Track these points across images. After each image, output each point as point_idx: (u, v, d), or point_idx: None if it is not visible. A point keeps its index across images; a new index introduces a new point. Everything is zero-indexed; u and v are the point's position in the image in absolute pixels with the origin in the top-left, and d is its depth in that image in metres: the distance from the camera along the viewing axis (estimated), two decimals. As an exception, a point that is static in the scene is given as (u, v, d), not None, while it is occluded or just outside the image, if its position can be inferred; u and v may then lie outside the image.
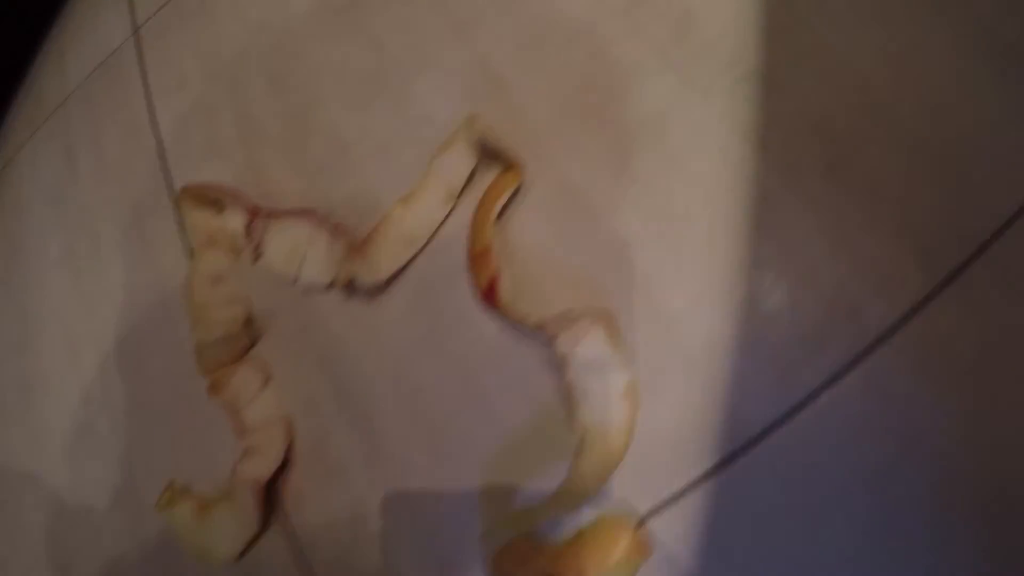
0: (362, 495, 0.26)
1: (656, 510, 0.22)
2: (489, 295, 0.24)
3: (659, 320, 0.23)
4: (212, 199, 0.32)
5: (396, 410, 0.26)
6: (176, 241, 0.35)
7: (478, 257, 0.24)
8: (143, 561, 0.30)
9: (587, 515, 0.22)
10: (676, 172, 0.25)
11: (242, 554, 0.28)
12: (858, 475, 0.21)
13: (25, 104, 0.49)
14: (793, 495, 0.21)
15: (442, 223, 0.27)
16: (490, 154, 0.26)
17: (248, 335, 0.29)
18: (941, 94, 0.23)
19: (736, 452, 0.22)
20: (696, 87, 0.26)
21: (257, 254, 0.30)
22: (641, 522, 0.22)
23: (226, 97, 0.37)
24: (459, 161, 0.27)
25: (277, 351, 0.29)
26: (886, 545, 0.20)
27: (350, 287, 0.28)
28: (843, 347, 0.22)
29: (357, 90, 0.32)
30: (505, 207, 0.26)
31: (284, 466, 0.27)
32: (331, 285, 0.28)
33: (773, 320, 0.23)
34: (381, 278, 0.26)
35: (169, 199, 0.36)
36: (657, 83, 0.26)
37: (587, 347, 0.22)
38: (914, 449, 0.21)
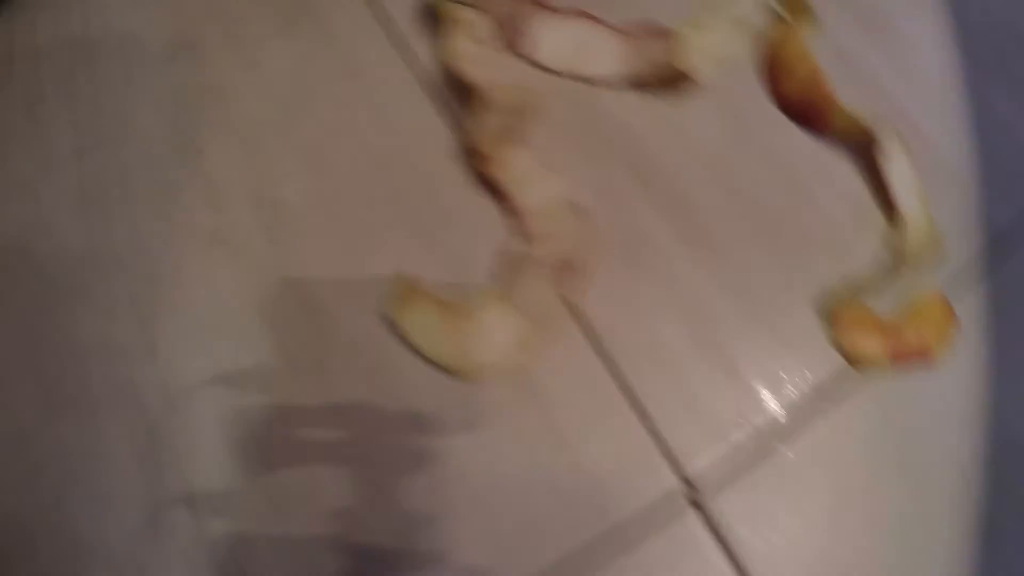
0: (683, 283, 0.23)
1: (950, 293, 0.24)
2: (817, 103, 0.25)
3: (927, 146, 0.26)
4: None
5: (709, 193, 0.25)
6: (380, 35, 0.28)
7: (801, 73, 0.25)
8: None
9: (907, 293, 0.23)
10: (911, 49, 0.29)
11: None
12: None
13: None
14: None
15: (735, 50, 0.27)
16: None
17: (527, 106, 0.25)
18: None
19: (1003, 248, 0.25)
20: None
21: (528, 50, 0.26)
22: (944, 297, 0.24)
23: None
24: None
25: (559, 143, 0.25)
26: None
27: (660, 92, 0.26)
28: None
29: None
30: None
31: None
32: (635, 87, 0.26)
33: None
34: (696, 76, 0.25)
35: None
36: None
37: (896, 151, 0.24)
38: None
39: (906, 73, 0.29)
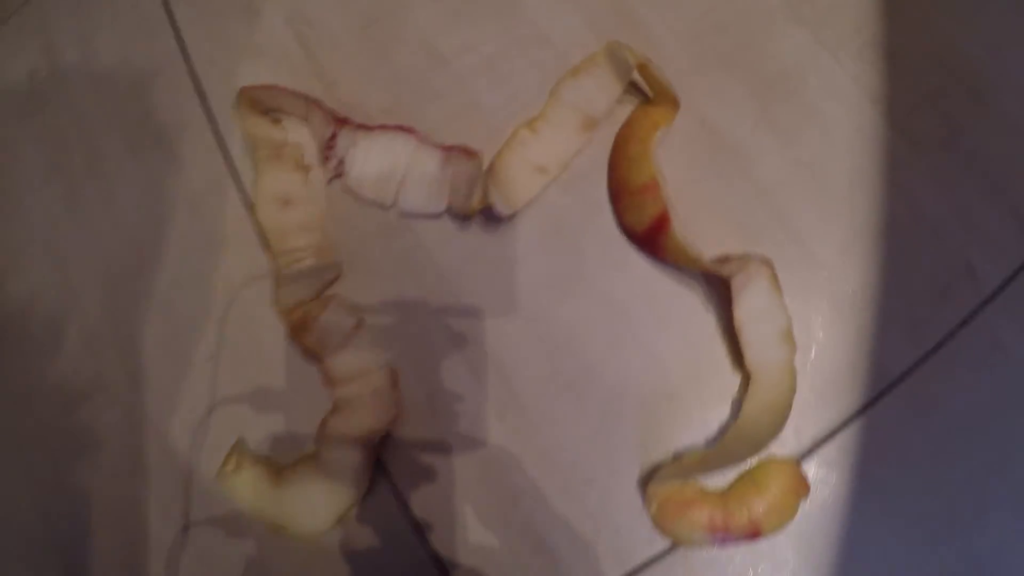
0: (492, 452, 0.21)
1: (811, 450, 0.20)
2: (655, 233, 0.20)
3: (809, 267, 0.21)
4: (269, 107, 0.24)
5: (531, 356, 0.22)
6: (215, 156, 0.26)
7: (640, 192, 0.20)
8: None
9: (748, 462, 0.20)
10: (813, 125, 0.23)
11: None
12: (980, 412, 0.21)
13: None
14: (927, 429, 0.20)
15: (576, 154, 0.22)
16: (650, 84, 0.21)
17: (331, 269, 0.22)
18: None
19: (880, 394, 0.21)
20: (827, 47, 0.24)
21: (338, 172, 0.23)
22: (798, 462, 0.20)
23: (268, -9, 0.28)
24: (599, 88, 0.22)
25: (370, 288, 0.23)
26: (1007, 475, 0.20)
27: (478, 217, 0.22)
28: (963, 302, 0.21)
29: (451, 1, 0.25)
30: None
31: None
32: (449, 214, 0.22)
33: (905, 274, 0.21)
34: (517, 207, 0.21)
35: (201, 108, 0.26)
36: (790, 37, 0.24)
37: (755, 290, 0.19)
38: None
39: (802, 162, 0.22)
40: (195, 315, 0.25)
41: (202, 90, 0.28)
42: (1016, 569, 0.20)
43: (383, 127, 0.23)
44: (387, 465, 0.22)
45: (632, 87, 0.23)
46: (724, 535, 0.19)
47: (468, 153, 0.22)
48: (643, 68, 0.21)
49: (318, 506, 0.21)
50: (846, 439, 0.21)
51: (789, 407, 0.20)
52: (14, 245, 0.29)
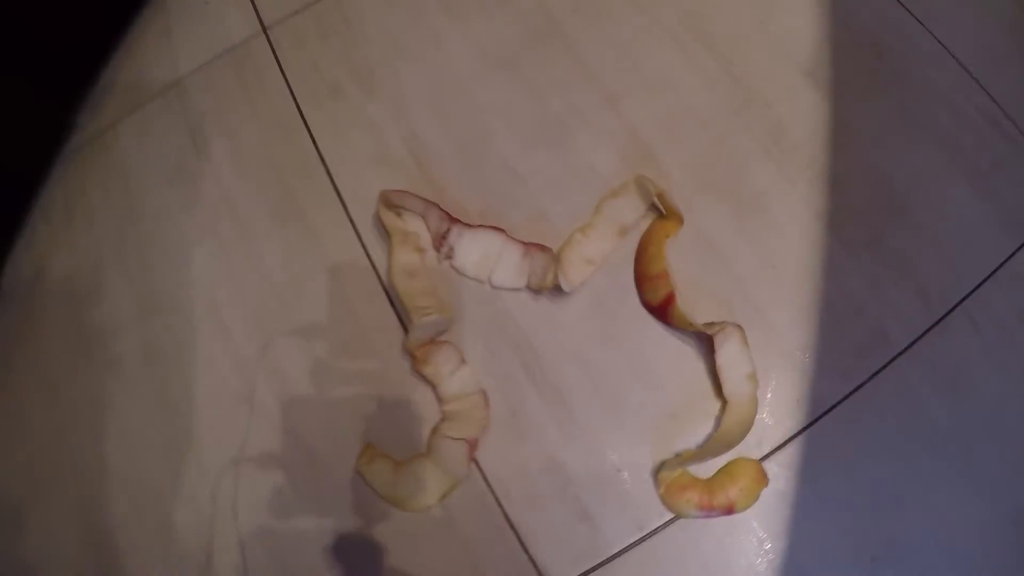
0: (553, 450, 0.32)
1: (768, 455, 0.31)
2: (665, 306, 0.31)
3: (768, 331, 0.32)
4: (397, 205, 0.35)
5: (581, 386, 0.32)
6: (348, 233, 0.36)
7: (655, 279, 0.31)
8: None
9: (726, 458, 0.30)
10: (774, 234, 0.34)
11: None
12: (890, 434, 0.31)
13: (123, 72, 0.45)
14: (851, 444, 0.31)
15: (613, 251, 0.33)
16: (664, 205, 0.32)
17: (445, 322, 0.33)
18: (942, 214, 0.34)
19: (817, 418, 0.31)
20: (787, 177, 0.35)
21: (448, 255, 0.34)
22: (761, 462, 0.30)
23: (387, 115, 0.39)
24: (630, 206, 0.33)
25: (470, 337, 0.33)
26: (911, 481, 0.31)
27: (547, 292, 0.33)
28: (879, 357, 0.32)
29: (525, 133, 0.37)
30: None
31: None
32: (527, 289, 0.33)
33: (837, 337, 0.32)
34: (575, 287, 0.32)
35: (336, 195, 0.37)
36: (762, 169, 0.35)
37: (730, 345, 0.30)
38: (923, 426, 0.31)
39: (766, 260, 0.33)
40: (331, 355, 0.36)
41: (335, 183, 0.38)
42: (924, 548, 0.30)
43: (481, 226, 0.34)
44: (478, 461, 0.32)
45: (652, 207, 0.34)
46: (708, 511, 0.30)
47: (542, 248, 0.33)
48: (660, 195, 0.32)
49: (427, 489, 0.31)
50: (793, 448, 0.31)
51: (751, 424, 0.30)
52: (170, 288, 0.40)
